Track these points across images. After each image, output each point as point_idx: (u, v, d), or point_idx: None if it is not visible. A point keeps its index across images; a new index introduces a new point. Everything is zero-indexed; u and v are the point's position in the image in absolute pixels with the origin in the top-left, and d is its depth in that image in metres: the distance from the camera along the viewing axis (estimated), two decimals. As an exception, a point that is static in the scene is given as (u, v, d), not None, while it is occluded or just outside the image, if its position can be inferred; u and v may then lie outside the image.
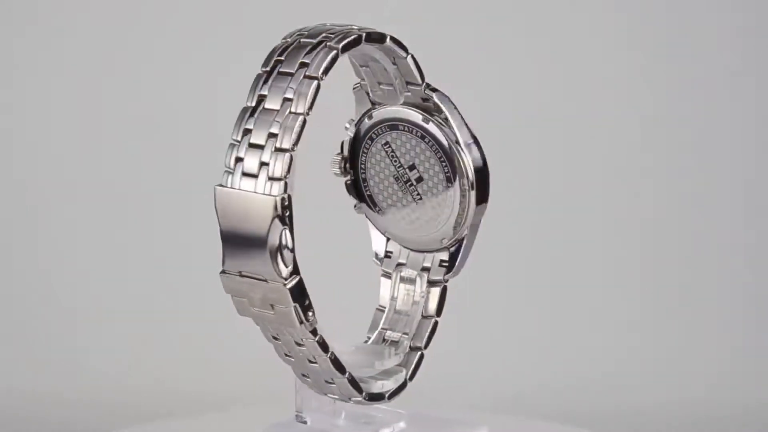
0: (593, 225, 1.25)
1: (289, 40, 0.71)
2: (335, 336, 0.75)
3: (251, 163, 0.68)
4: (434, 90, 0.73)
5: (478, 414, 0.95)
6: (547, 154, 1.26)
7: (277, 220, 0.67)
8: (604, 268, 1.24)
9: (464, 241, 0.75)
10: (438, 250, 0.76)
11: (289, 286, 0.68)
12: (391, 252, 0.78)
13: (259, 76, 0.70)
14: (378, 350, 0.77)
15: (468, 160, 0.73)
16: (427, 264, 0.77)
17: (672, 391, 1.16)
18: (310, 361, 0.72)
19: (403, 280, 0.78)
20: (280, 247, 0.68)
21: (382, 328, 0.78)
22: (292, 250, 0.68)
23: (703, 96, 1.28)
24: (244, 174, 0.68)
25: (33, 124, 1.25)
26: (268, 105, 0.69)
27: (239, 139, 0.69)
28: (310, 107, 0.67)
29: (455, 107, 0.74)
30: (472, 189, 0.73)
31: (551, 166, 1.26)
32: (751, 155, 1.29)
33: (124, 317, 1.19)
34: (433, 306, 0.76)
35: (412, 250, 0.77)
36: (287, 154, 0.67)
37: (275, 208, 0.67)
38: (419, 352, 0.76)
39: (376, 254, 0.78)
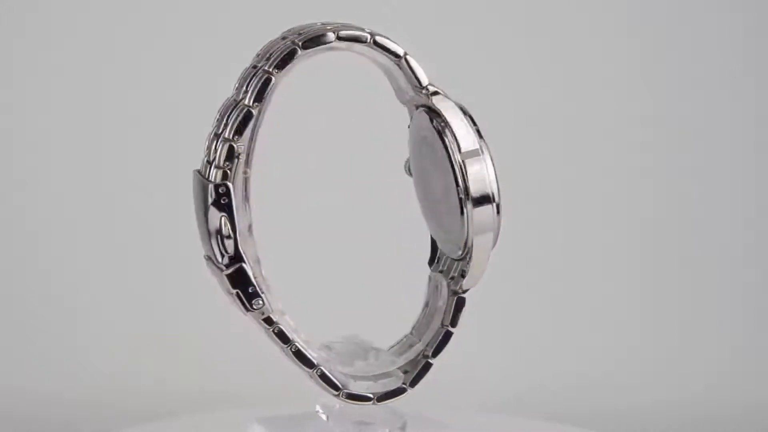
0: (593, 225, 1.25)
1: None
2: (385, 336, 0.76)
3: (209, 150, 0.72)
4: (435, 93, 0.73)
5: (478, 414, 0.95)
6: (547, 154, 1.26)
7: (213, 207, 0.70)
8: (604, 268, 1.24)
9: (473, 250, 0.73)
10: (461, 259, 0.75)
11: (227, 272, 0.71)
12: (440, 258, 0.78)
13: (244, 71, 0.73)
14: (362, 350, 0.77)
15: (463, 167, 0.71)
16: (454, 273, 0.76)
17: (672, 391, 1.16)
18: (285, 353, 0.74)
19: (434, 287, 0.77)
20: (219, 233, 0.70)
21: (410, 332, 0.78)
22: (230, 237, 0.70)
23: (703, 96, 1.28)
24: (207, 161, 0.72)
25: (33, 124, 1.25)
26: (235, 97, 0.72)
27: (212, 127, 0.72)
28: (256, 100, 0.70)
29: (460, 111, 0.72)
30: (467, 198, 0.72)
31: (551, 166, 1.26)
32: (751, 155, 1.29)
33: (124, 317, 1.19)
34: (449, 316, 0.76)
35: (450, 257, 0.76)
36: (227, 144, 0.70)
37: (210, 193, 0.70)
38: (426, 360, 0.76)
39: (430, 258, 0.78)
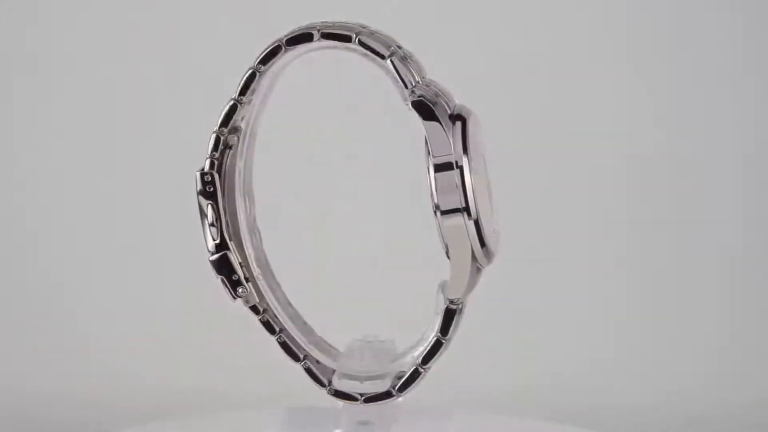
0: (592, 225, 1.25)
1: None
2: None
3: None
4: (419, 97, 0.71)
5: (477, 414, 0.95)
6: (545, 154, 1.26)
7: (200, 195, 0.73)
8: (602, 268, 1.24)
9: (450, 260, 0.72)
10: None
11: (211, 258, 0.74)
12: None
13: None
14: (351, 350, 0.77)
15: (432, 177, 0.70)
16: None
17: (671, 391, 1.16)
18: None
19: (440, 294, 0.77)
20: (209, 221, 0.73)
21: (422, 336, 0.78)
22: (214, 225, 0.73)
23: (703, 96, 1.28)
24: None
25: (33, 124, 1.25)
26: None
27: None
28: (241, 93, 0.74)
29: (436, 119, 0.70)
30: (437, 208, 0.70)
31: (549, 165, 1.26)
32: (751, 155, 1.29)
33: (124, 317, 1.19)
34: (440, 324, 0.75)
35: None
36: (214, 135, 0.74)
37: (196, 181, 0.73)
38: (416, 368, 0.76)
39: None
